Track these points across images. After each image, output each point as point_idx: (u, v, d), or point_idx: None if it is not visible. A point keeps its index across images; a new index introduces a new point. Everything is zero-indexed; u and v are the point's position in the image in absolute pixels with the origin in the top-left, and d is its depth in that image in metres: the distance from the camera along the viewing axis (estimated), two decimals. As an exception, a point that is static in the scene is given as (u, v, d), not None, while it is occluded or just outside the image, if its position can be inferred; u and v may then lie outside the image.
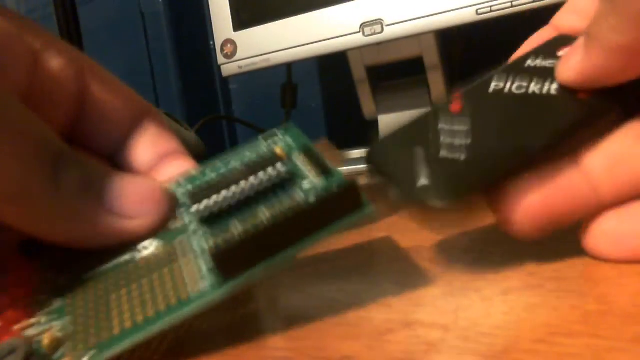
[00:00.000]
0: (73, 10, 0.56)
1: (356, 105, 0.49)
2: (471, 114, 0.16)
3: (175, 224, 0.16)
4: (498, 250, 0.18)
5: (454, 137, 0.16)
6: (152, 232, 0.16)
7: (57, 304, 0.15)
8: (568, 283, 0.14)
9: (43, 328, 0.14)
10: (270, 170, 0.16)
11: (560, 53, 0.17)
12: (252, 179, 0.16)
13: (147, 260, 0.15)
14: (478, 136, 0.16)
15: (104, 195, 0.16)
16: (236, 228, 0.15)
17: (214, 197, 0.15)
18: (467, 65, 0.55)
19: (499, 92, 0.17)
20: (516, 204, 0.15)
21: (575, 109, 0.16)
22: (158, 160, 0.19)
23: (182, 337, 0.15)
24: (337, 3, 0.42)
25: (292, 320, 0.16)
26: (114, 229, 0.16)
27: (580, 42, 0.15)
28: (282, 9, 0.44)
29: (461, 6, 0.38)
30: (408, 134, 0.17)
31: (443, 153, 0.16)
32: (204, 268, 0.14)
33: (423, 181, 0.15)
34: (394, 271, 0.18)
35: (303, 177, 0.16)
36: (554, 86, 0.16)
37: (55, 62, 0.17)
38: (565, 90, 0.16)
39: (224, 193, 0.15)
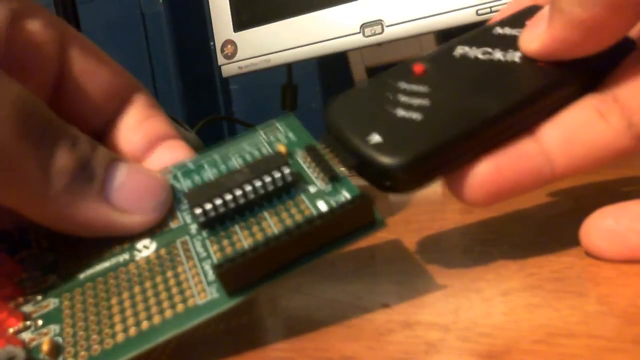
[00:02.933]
0: (73, 11, 0.56)
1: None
2: (433, 76, 0.16)
3: (175, 223, 0.15)
4: (498, 250, 0.18)
5: (413, 97, 0.16)
6: (148, 229, 0.15)
7: (52, 304, 0.14)
8: (568, 283, 0.14)
9: (40, 332, 0.14)
10: (275, 174, 0.15)
11: (528, 23, 0.17)
12: (256, 182, 0.15)
13: (148, 261, 0.15)
14: (437, 98, 0.15)
15: (103, 181, 0.15)
16: (238, 236, 0.14)
17: (216, 201, 0.15)
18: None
19: (463, 56, 0.17)
20: (467, 171, 0.15)
21: (534, 78, 0.16)
22: (148, 144, 0.18)
23: (184, 338, 0.15)
24: (337, 4, 0.42)
25: (293, 320, 0.16)
26: (108, 221, 0.14)
27: (543, 14, 0.15)
28: (282, 9, 0.44)
29: (461, 7, 0.38)
30: (367, 92, 0.17)
31: (400, 112, 0.15)
32: (208, 277, 0.14)
33: (376, 138, 0.15)
34: (394, 271, 0.18)
35: (308, 182, 0.15)
36: (517, 54, 0.16)
37: (33, 25, 0.16)
38: (527, 59, 0.16)
39: (226, 197, 0.15)
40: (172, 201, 0.16)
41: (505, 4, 0.37)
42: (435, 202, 0.27)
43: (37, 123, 0.14)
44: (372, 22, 0.41)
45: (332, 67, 0.66)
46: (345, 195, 0.15)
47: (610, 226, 0.15)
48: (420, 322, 0.14)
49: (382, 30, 0.41)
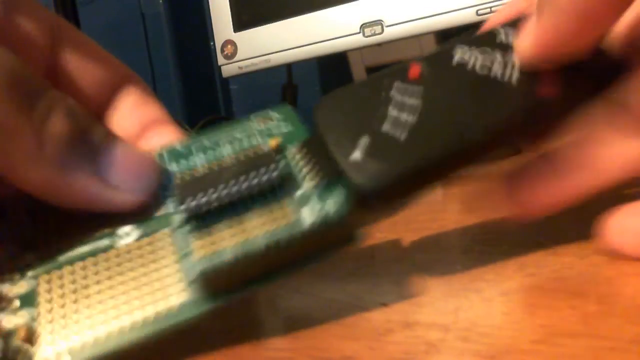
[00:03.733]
0: (73, 11, 0.56)
1: (356, 106, 0.49)
2: (426, 86, 0.16)
3: (158, 210, 0.15)
4: (498, 250, 0.18)
5: (402, 109, 0.15)
6: (131, 214, 0.15)
7: (26, 286, 0.14)
8: (568, 283, 0.14)
9: (14, 315, 0.13)
10: (262, 171, 0.15)
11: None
12: (242, 179, 0.15)
13: (129, 249, 0.14)
14: (425, 115, 0.15)
15: (98, 155, 0.14)
16: (221, 234, 0.14)
17: (200, 196, 0.14)
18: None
19: (462, 66, 0.16)
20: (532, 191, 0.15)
21: (529, 106, 0.15)
22: (141, 129, 0.18)
23: (181, 337, 0.15)
24: (337, 4, 0.42)
25: (292, 320, 0.16)
26: (98, 195, 0.14)
27: (535, 10, 0.15)
28: (282, 9, 0.44)
29: (461, 7, 0.38)
30: (358, 95, 0.16)
31: (386, 127, 0.15)
32: (189, 275, 0.14)
33: (356, 155, 0.15)
34: (394, 271, 0.18)
35: (295, 183, 0.15)
36: (516, 74, 0.15)
37: (25, 18, 0.16)
38: (526, 81, 0.15)
39: (211, 193, 0.14)
40: (159, 184, 0.16)
41: (505, 4, 0.37)
42: (435, 202, 0.27)
43: (32, 88, 0.14)
44: (372, 22, 0.41)
45: (332, 67, 0.66)
46: (331, 204, 0.14)
47: (634, 223, 0.15)
48: (420, 322, 0.14)
49: (382, 30, 0.41)
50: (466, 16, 0.38)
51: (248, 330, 0.15)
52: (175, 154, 0.16)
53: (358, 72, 0.48)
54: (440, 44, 0.45)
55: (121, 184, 0.15)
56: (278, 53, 0.44)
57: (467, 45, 0.16)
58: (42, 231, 0.15)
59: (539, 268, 0.16)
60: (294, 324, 0.15)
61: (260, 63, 0.45)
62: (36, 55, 0.16)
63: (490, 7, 0.38)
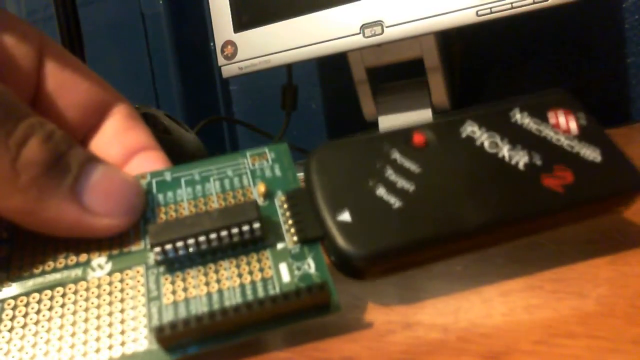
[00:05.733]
0: (74, 12, 0.56)
1: (356, 106, 0.49)
2: (429, 156, 0.15)
3: (136, 246, 0.15)
4: (498, 251, 0.18)
5: (400, 175, 0.15)
6: (116, 235, 0.15)
7: None
8: (568, 284, 0.14)
9: None
10: (244, 227, 0.14)
11: (551, 117, 0.16)
12: (222, 232, 0.14)
13: (99, 284, 0.14)
14: (422, 185, 0.14)
15: (76, 179, 0.14)
16: (194, 281, 0.14)
17: (177, 243, 0.14)
18: (468, 67, 0.55)
19: (469, 141, 0.15)
20: None
21: (533, 197, 0.14)
22: (125, 156, 0.18)
23: None
24: (337, 4, 0.42)
25: (293, 321, 0.16)
26: (76, 221, 0.14)
27: None
28: (282, 10, 0.44)
29: (461, 7, 0.38)
30: (357, 151, 0.15)
31: (380, 191, 0.14)
32: (152, 321, 0.13)
33: (345, 216, 0.14)
34: (394, 272, 0.18)
35: (277, 236, 0.15)
36: (524, 160, 0.15)
37: (10, 38, 0.15)
38: (532, 172, 0.15)
39: (188, 241, 0.14)
40: (145, 209, 0.15)
41: (505, 4, 0.37)
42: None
43: (10, 114, 0.13)
44: (372, 22, 0.41)
45: (332, 68, 0.66)
46: (310, 264, 0.14)
47: None
48: (420, 323, 0.14)
49: (382, 31, 0.41)
50: (466, 17, 0.38)
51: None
52: (163, 184, 0.16)
53: (358, 73, 0.48)
54: (439, 44, 0.45)
55: (101, 209, 0.14)
56: (278, 54, 0.44)
57: (479, 120, 0.16)
58: (19, 251, 0.15)
59: (539, 268, 0.16)
60: (294, 324, 0.15)
61: (260, 64, 0.45)
62: (22, 75, 0.16)
63: (491, 8, 0.38)
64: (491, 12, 0.38)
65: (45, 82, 0.17)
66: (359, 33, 0.42)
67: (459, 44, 0.52)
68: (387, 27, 0.41)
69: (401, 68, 0.47)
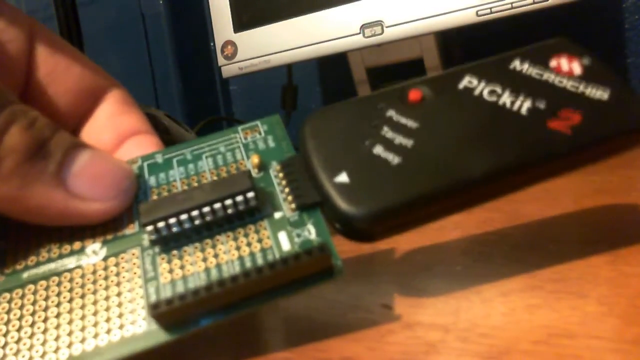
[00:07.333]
0: (74, 12, 0.56)
1: (356, 106, 0.49)
2: (427, 109, 0.14)
3: (130, 229, 0.14)
4: (498, 251, 0.18)
5: (398, 132, 0.14)
6: (107, 220, 0.14)
7: None
8: (568, 284, 0.14)
9: None
10: (238, 198, 0.14)
11: (552, 62, 0.15)
12: (215, 205, 0.14)
13: (94, 270, 0.14)
14: (422, 140, 0.14)
15: (60, 164, 0.14)
16: (191, 258, 0.14)
17: (170, 220, 0.14)
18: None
19: (468, 91, 0.15)
20: None
21: (540, 141, 0.14)
22: (118, 140, 0.17)
23: (182, 338, 0.15)
24: (337, 4, 0.42)
25: (293, 321, 0.16)
26: (64, 207, 0.14)
27: None
28: (282, 10, 0.44)
29: (461, 7, 0.38)
30: (350, 113, 0.15)
31: (377, 149, 0.14)
32: (150, 301, 0.13)
33: (343, 177, 0.13)
34: (394, 272, 0.18)
35: (274, 205, 0.14)
36: (527, 104, 0.14)
37: (1, 20, 0.15)
38: (537, 114, 0.14)
39: (181, 216, 0.14)
40: (136, 192, 0.15)
41: (505, 4, 0.37)
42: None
43: None
44: (372, 22, 0.41)
45: (332, 68, 0.66)
46: (310, 230, 0.14)
47: None
48: (420, 323, 0.14)
49: (382, 31, 0.41)
50: (466, 17, 0.38)
51: (249, 330, 0.15)
52: (154, 166, 0.16)
53: (358, 73, 0.48)
54: (439, 44, 0.45)
55: (89, 194, 0.14)
56: (278, 54, 0.44)
57: (475, 70, 0.15)
58: (13, 245, 0.15)
59: (539, 268, 0.16)
60: (295, 324, 0.15)
61: (260, 64, 0.45)
62: (11, 60, 0.16)
63: (491, 8, 0.38)
64: (491, 12, 0.38)
65: (36, 67, 0.16)
66: (359, 33, 0.42)
67: (459, 44, 0.52)
68: (387, 27, 0.41)
69: (401, 68, 0.47)
